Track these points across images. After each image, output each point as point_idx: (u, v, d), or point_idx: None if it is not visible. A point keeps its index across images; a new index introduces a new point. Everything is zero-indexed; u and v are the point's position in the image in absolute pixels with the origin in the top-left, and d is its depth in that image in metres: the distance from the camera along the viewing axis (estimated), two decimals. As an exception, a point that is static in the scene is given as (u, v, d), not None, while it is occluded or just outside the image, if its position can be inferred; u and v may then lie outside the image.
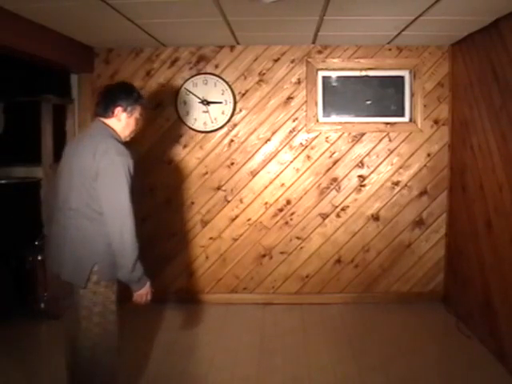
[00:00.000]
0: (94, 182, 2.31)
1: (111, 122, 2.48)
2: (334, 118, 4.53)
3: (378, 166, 4.48)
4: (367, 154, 4.47)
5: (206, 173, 4.53)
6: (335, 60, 4.43)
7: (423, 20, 3.38)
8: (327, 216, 4.53)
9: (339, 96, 4.54)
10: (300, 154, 4.50)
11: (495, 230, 3.48)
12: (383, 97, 4.52)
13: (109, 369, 2.47)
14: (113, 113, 2.46)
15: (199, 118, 4.47)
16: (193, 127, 4.48)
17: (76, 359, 2.47)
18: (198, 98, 4.45)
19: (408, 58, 4.39)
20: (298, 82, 4.44)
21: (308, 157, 4.50)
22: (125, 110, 2.48)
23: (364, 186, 4.50)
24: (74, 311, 2.45)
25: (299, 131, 4.48)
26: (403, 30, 3.77)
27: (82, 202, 2.34)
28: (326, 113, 4.53)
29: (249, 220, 4.55)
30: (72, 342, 2.49)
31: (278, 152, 4.50)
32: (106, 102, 2.47)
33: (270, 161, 4.51)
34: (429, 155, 4.45)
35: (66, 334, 2.56)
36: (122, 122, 2.49)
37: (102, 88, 2.61)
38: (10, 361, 3.37)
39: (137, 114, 2.54)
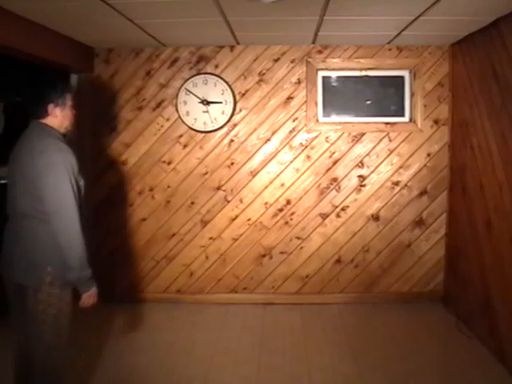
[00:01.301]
0: (36, 182, 2.25)
1: (47, 120, 2.40)
2: (334, 118, 4.53)
3: (378, 166, 4.48)
4: (367, 154, 4.47)
5: (206, 173, 4.53)
6: (335, 60, 4.43)
7: (423, 20, 3.38)
8: (327, 216, 4.53)
9: (339, 96, 4.54)
10: (300, 153, 4.50)
11: (495, 230, 3.48)
12: (383, 97, 4.52)
13: (59, 374, 2.43)
14: (46, 112, 2.38)
15: (199, 117, 4.46)
16: (193, 127, 4.48)
17: (27, 365, 2.40)
18: (198, 97, 4.45)
19: (408, 57, 4.39)
20: (298, 82, 4.44)
21: (308, 157, 4.50)
22: (57, 105, 2.39)
23: (364, 186, 4.50)
24: (23, 316, 2.38)
25: (299, 131, 4.48)
26: (403, 30, 3.77)
27: (28, 205, 2.30)
28: (326, 113, 4.53)
29: (249, 220, 4.55)
30: (23, 348, 2.44)
31: (278, 152, 4.50)
32: (36, 104, 2.39)
33: (270, 161, 4.51)
34: (429, 155, 4.45)
35: (14, 340, 2.47)
36: (59, 116, 2.41)
37: (25, 89, 2.49)
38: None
39: (69, 101, 2.46)
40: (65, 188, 2.26)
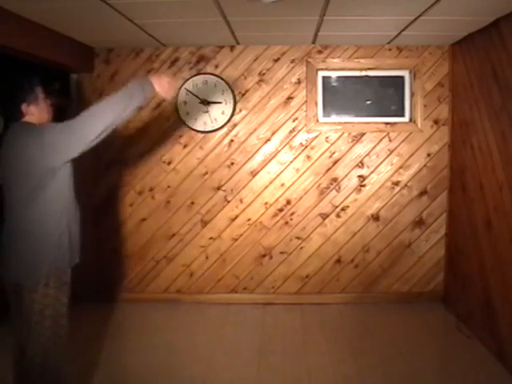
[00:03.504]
0: (46, 160, 2.25)
1: (26, 120, 2.38)
2: (334, 118, 4.53)
3: (378, 165, 4.48)
4: (367, 154, 4.47)
5: (206, 173, 4.53)
6: (335, 60, 4.43)
7: (423, 20, 3.38)
8: (327, 216, 4.53)
9: (339, 96, 4.54)
10: (300, 154, 4.50)
11: (495, 229, 3.48)
12: (383, 97, 4.52)
13: (57, 374, 2.41)
14: (22, 113, 2.36)
15: (199, 118, 4.47)
16: (193, 127, 4.48)
17: (25, 366, 2.39)
18: (198, 98, 4.45)
19: (408, 57, 4.39)
20: (298, 81, 4.44)
21: (308, 157, 4.50)
22: (30, 103, 2.37)
23: (364, 185, 4.50)
24: (19, 318, 2.37)
25: (299, 131, 4.48)
26: (403, 30, 3.77)
27: (21, 204, 2.30)
28: (326, 113, 4.53)
29: (249, 220, 4.55)
30: (22, 350, 2.40)
31: (278, 152, 4.50)
32: (9, 108, 2.38)
33: (269, 161, 4.51)
34: (429, 155, 4.45)
35: (14, 341, 2.45)
36: (35, 113, 2.39)
37: None
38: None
39: (41, 94, 2.41)
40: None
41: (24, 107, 2.37)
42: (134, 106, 2.37)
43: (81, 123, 2.29)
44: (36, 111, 2.40)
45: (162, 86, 2.42)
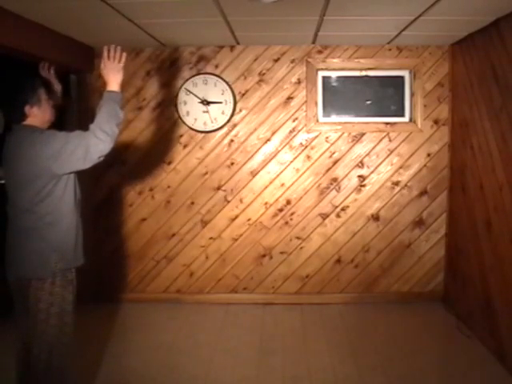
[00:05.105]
0: (54, 164, 2.25)
1: (29, 121, 2.38)
2: (334, 118, 4.53)
3: (378, 165, 4.48)
4: (367, 154, 4.47)
5: (206, 173, 4.53)
6: (335, 60, 4.43)
7: (423, 20, 3.38)
8: (327, 216, 4.53)
9: (339, 96, 4.54)
10: (300, 153, 4.50)
11: (495, 229, 3.48)
12: (383, 97, 4.52)
13: (63, 372, 2.42)
14: (25, 115, 2.35)
15: (199, 118, 4.47)
16: (193, 127, 4.48)
17: (31, 364, 2.39)
18: (198, 98, 4.45)
19: (408, 57, 4.39)
20: (298, 81, 4.44)
21: (308, 157, 4.50)
22: (33, 105, 2.36)
23: (364, 186, 4.50)
24: (25, 317, 2.38)
25: (299, 131, 4.48)
26: (403, 30, 3.77)
27: (27, 205, 2.32)
28: (326, 113, 4.53)
29: (249, 220, 4.55)
30: (26, 348, 2.40)
31: (278, 152, 4.50)
32: (12, 110, 2.38)
33: (270, 161, 4.51)
34: (429, 155, 4.45)
35: (18, 340, 2.45)
36: (38, 115, 2.39)
37: None
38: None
39: (43, 95, 2.40)
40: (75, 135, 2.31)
41: (27, 109, 2.36)
42: (119, 111, 2.37)
43: (91, 139, 2.27)
44: (39, 113, 2.39)
45: (111, 69, 2.46)
